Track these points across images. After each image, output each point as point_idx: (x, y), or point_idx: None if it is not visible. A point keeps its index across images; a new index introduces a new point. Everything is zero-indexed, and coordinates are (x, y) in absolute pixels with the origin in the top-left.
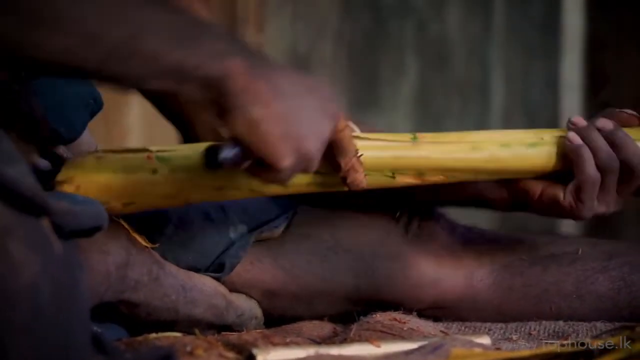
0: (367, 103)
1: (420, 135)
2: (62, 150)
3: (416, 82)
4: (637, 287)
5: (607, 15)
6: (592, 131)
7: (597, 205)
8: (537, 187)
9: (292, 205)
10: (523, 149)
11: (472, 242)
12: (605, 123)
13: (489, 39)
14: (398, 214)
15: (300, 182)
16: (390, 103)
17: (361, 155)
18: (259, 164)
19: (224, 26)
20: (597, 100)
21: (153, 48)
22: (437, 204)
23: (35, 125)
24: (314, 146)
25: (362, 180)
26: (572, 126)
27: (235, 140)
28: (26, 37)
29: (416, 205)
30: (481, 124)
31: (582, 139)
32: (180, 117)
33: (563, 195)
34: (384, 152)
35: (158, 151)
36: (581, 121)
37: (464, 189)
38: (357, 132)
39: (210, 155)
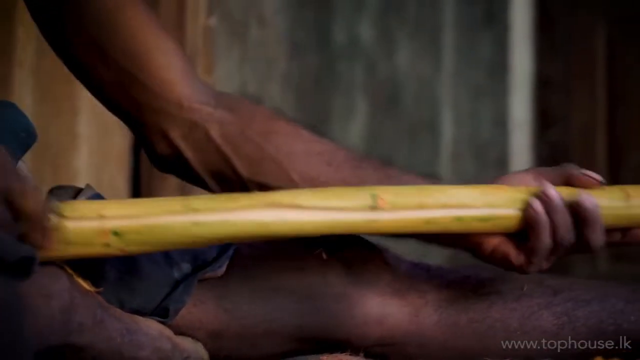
0: None
1: (380, 198)
2: None
3: (366, 123)
4: (580, 323)
5: (555, 55)
6: (559, 205)
7: (544, 264)
8: (489, 244)
9: (231, 244)
10: (475, 222)
11: (417, 279)
12: (587, 201)
13: (438, 80)
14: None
15: None
16: (339, 144)
17: None
18: None
19: None
20: (545, 139)
21: None
22: None
23: None
24: None
25: None
26: (543, 196)
27: None
28: None
29: (357, 243)
30: (431, 164)
31: (547, 210)
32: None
33: (515, 255)
34: (340, 223)
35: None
36: (553, 194)
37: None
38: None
39: None
